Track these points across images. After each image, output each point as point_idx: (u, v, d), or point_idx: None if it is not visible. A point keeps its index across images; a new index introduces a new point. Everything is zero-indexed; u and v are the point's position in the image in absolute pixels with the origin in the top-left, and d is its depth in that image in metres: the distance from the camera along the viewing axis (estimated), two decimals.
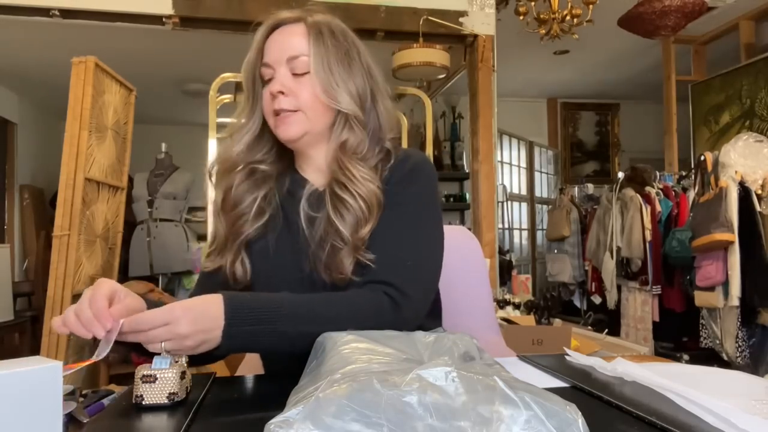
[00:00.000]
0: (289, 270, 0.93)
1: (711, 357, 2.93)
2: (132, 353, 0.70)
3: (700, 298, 2.90)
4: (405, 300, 0.84)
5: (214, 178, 1.01)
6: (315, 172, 0.99)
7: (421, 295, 0.88)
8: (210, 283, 0.96)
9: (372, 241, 0.89)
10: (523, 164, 5.66)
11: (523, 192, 5.65)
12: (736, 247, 2.70)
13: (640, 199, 3.56)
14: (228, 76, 3.44)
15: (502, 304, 3.11)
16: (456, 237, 1.29)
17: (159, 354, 0.69)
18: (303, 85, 0.91)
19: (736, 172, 2.80)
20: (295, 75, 0.92)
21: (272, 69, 0.92)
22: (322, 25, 0.94)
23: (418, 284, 0.87)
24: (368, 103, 0.96)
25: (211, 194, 1.03)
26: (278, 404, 0.75)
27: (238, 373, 1.09)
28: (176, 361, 0.70)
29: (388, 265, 0.87)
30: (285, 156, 1.02)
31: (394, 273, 0.86)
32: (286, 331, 0.76)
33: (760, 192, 2.77)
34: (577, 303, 4.67)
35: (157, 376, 0.67)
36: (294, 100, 0.91)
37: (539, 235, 5.66)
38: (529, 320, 2.89)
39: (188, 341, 0.70)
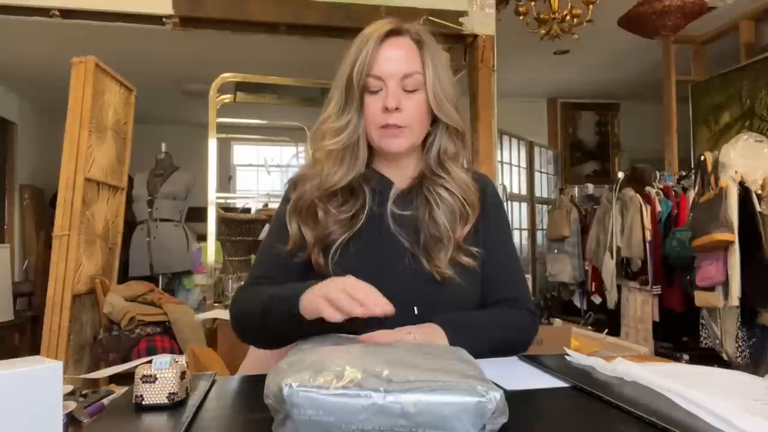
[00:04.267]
0: (374, 265, 0.94)
1: (711, 357, 2.93)
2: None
3: (700, 298, 2.89)
4: (535, 317, 1.00)
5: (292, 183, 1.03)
6: (399, 175, 1.02)
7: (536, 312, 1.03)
8: (290, 265, 0.98)
9: (492, 259, 0.99)
10: (523, 164, 5.66)
11: (523, 192, 5.64)
12: (736, 247, 2.70)
13: (640, 199, 3.55)
14: (228, 76, 3.44)
15: None
16: None
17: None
18: (413, 101, 0.95)
19: (736, 172, 2.80)
20: (405, 91, 0.95)
21: (382, 82, 0.94)
22: (426, 40, 0.98)
23: (532, 303, 1.03)
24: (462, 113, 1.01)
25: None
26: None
27: (238, 373, 1.09)
28: (176, 362, 0.70)
29: (517, 284, 1.02)
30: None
31: (524, 293, 1.01)
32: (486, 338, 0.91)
33: (760, 192, 2.77)
34: (577, 303, 4.66)
35: (157, 376, 0.67)
36: (406, 117, 0.94)
37: (539, 235, 5.65)
38: None
39: None
